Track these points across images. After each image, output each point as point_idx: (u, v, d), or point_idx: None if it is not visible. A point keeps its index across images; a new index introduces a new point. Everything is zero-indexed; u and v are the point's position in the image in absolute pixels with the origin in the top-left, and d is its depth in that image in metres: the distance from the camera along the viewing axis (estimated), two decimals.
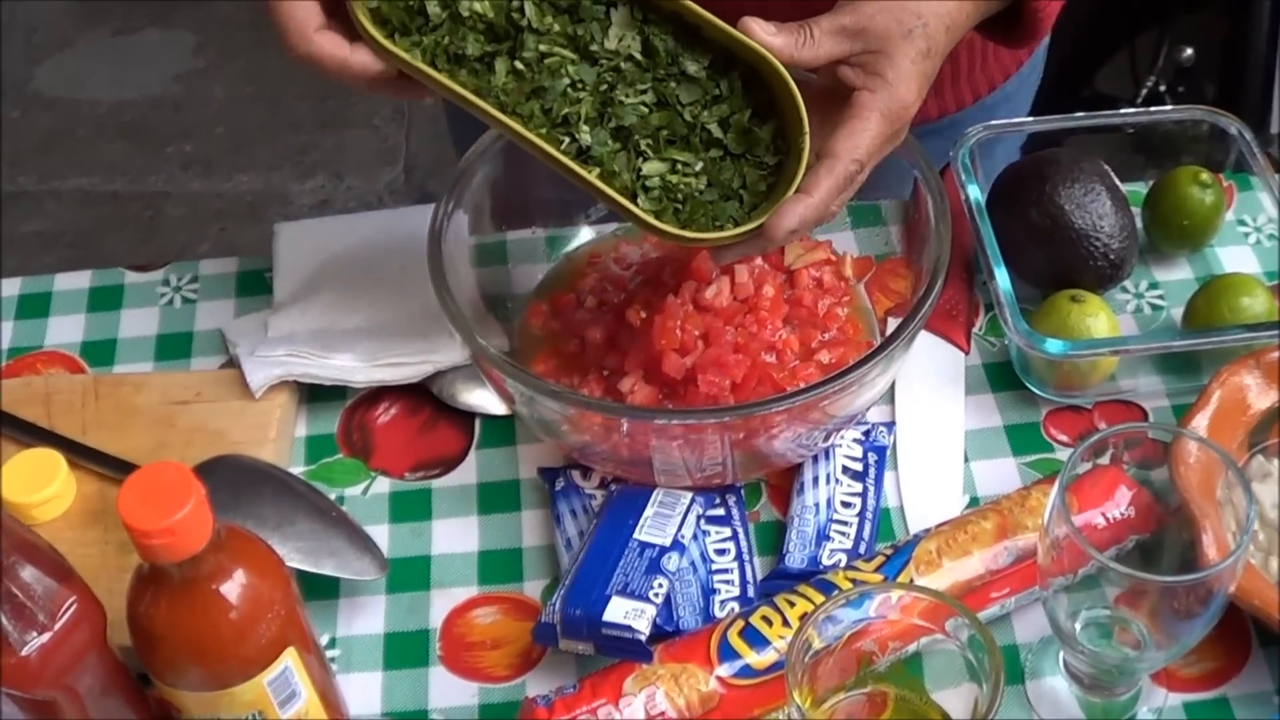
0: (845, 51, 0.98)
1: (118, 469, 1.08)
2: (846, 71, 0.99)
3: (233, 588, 0.82)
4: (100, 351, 1.24)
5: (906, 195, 1.17)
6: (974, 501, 1.09)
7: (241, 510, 1.01)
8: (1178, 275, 1.24)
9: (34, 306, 1.28)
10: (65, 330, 1.26)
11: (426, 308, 1.10)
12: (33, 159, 3.23)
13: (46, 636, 0.82)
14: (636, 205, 0.98)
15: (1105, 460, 0.97)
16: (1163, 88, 2.54)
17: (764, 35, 0.97)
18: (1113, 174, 1.18)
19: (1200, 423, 1.04)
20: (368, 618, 1.05)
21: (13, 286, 1.29)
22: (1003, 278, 1.12)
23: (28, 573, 0.82)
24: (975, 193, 1.18)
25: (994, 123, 1.22)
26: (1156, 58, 2.55)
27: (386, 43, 0.99)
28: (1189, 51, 2.54)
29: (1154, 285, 1.23)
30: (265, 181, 3.18)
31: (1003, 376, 1.17)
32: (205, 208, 3.12)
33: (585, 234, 1.24)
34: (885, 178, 1.13)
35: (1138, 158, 1.36)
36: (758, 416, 0.99)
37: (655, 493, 1.06)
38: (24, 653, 0.81)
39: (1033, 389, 1.15)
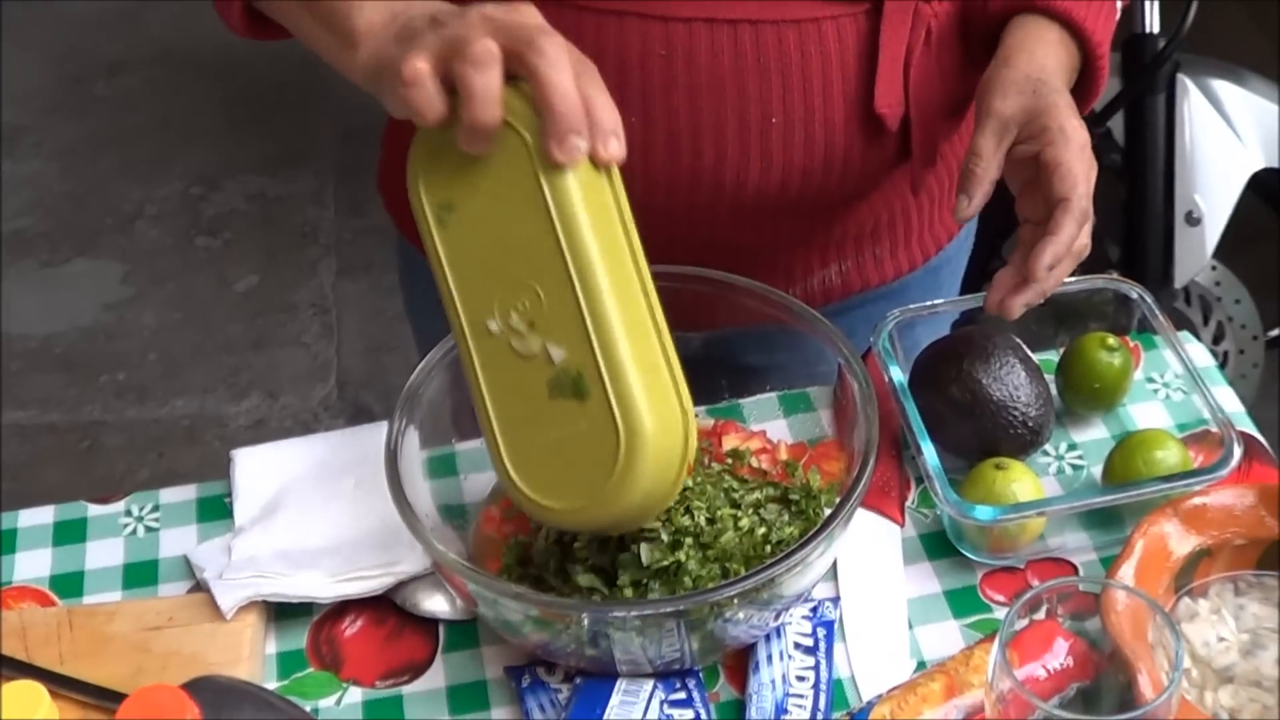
0: (1009, 143, 1.17)
1: (99, 696, 1.12)
2: (1023, 150, 1.17)
3: None
4: (69, 584, 1.27)
5: (833, 381, 1.23)
6: (921, 665, 1.14)
7: None
8: (1094, 435, 1.31)
9: None
10: (32, 565, 1.29)
11: (385, 521, 1.15)
12: None
13: None
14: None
15: (1041, 615, 1.02)
16: None
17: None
18: (1024, 346, 1.26)
19: (1126, 572, 1.10)
20: None
21: None
22: (929, 452, 1.18)
23: None
24: (897, 373, 1.24)
25: (910, 306, 1.29)
26: None
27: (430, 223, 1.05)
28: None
29: (1073, 446, 1.30)
30: (200, 405, 3.21)
31: (938, 545, 1.23)
32: (142, 434, 3.15)
33: None
34: (811, 366, 1.20)
35: (1048, 327, 1.43)
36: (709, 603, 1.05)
37: (619, 682, 1.10)
38: None
39: (967, 554, 1.21)
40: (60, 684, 1.14)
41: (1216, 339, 2.66)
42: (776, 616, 1.13)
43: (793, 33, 1.21)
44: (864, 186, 1.32)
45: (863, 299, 1.41)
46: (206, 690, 1.08)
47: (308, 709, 1.14)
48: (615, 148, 1.00)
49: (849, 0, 1.22)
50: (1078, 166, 1.14)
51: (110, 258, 3.58)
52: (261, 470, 1.32)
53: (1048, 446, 1.29)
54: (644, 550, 1.10)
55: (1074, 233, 1.15)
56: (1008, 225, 2.64)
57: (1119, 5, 1.30)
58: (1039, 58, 1.19)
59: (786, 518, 1.16)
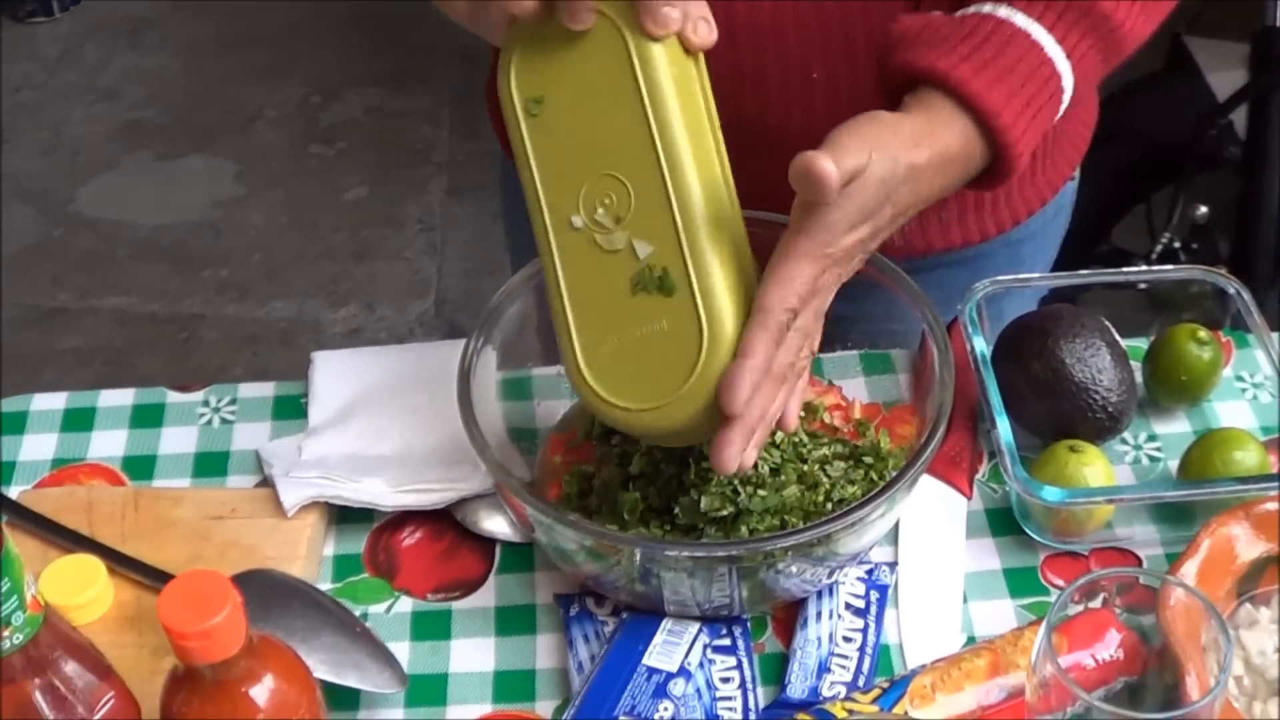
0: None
1: (154, 578, 1.14)
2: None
3: (261, 691, 0.87)
4: (141, 466, 1.30)
5: (913, 344, 1.22)
6: (971, 640, 1.13)
7: (271, 621, 1.06)
8: (1176, 428, 1.29)
9: (79, 420, 1.33)
10: (108, 444, 1.32)
11: (453, 437, 1.15)
12: (73, 277, 3.31)
13: None
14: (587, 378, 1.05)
15: (1098, 604, 1.01)
16: (1177, 244, 2.60)
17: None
18: (1113, 330, 1.24)
19: (1189, 570, 1.09)
20: None
21: (59, 400, 1.35)
22: (1004, 427, 1.17)
23: (70, 667, 0.87)
24: (980, 345, 1.23)
25: (1001, 278, 1.28)
26: (1172, 215, 2.61)
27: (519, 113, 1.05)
28: (1203, 209, 2.60)
29: (1153, 437, 1.28)
30: (299, 309, 3.25)
31: (1003, 522, 1.21)
32: (239, 332, 3.19)
33: None
34: (891, 323, 1.19)
35: (1142, 313, 1.41)
36: (762, 552, 1.04)
37: (664, 621, 1.10)
38: None
39: (1031, 534, 1.19)
40: (118, 561, 1.15)
41: None
42: (830, 574, 1.12)
43: None
44: None
45: (934, 262, 1.38)
46: (257, 583, 1.10)
47: (357, 613, 1.15)
48: (705, 31, 0.99)
49: None
50: (801, 275, 0.99)
51: (225, 157, 3.62)
52: (340, 375, 1.33)
53: (1127, 435, 1.27)
54: (704, 496, 1.09)
55: (769, 354, 0.98)
56: (1121, 207, 2.64)
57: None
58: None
59: (852, 477, 1.15)
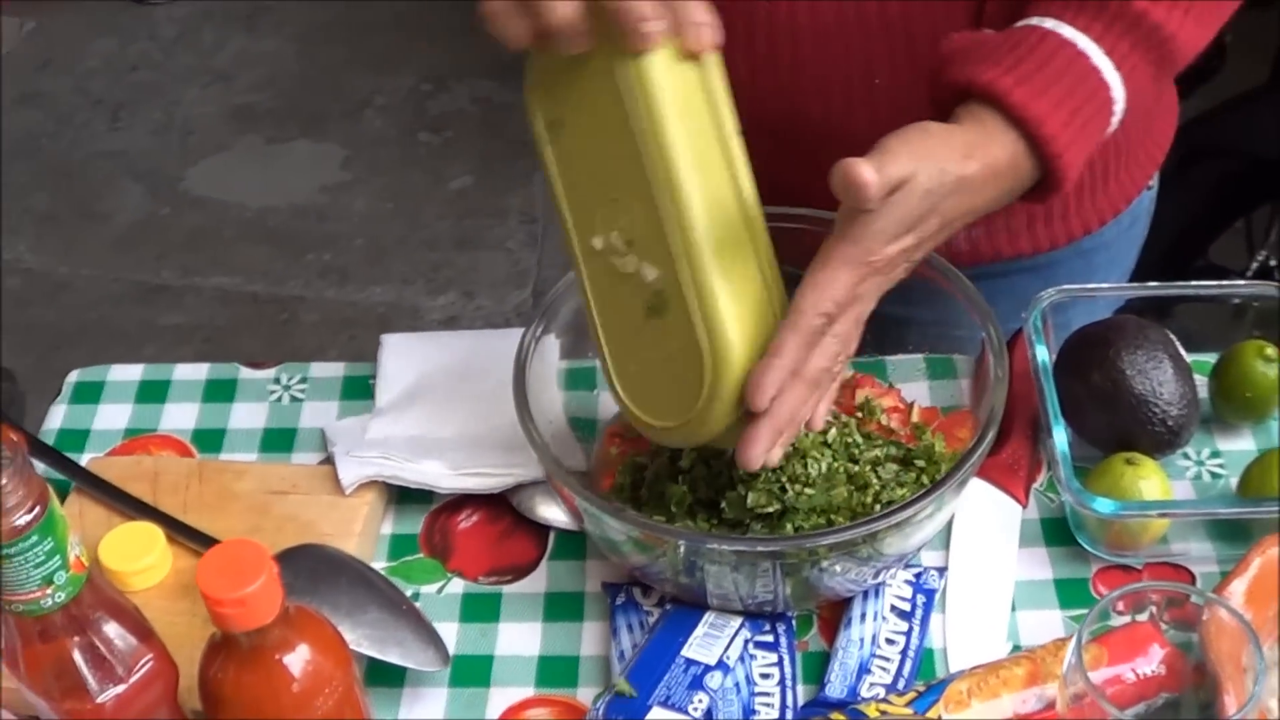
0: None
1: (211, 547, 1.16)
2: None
3: (295, 660, 0.89)
4: (209, 439, 1.32)
5: (975, 349, 1.22)
6: (1016, 649, 1.13)
7: (318, 595, 1.07)
8: (1240, 445, 1.27)
9: (153, 392, 1.37)
10: (179, 417, 1.35)
11: (513, 424, 1.16)
12: (178, 255, 3.37)
13: (122, 688, 0.90)
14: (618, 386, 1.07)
15: (1144, 617, 1.01)
16: (1274, 262, 2.57)
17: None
18: (1177, 343, 1.23)
19: (1237, 588, 1.08)
20: (428, 707, 1.11)
21: (135, 372, 1.38)
22: (1060, 436, 1.16)
23: (110, 628, 0.89)
24: (1043, 353, 1.22)
25: (1067, 287, 1.27)
26: (1269, 232, 2.57)
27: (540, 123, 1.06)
28: None
29: (1216, 454, 1.27)
30: (398, 294, 3.28)
31: (1057, 532, 1.21)
32: (338, 315, 3.23)
33: None
34: (950, 327, 1.19)
35: (1209, 328, 1.39)
36: (804, 549, 1.05)
37: (707, 615, 1.11)
38: (100, 700, 0.89)
39: (1085, 546, 1.19)
40: (178, 530, 1.18)
41: None
42: (876, 575, 1.12)
43: None
44: None
45: (1003, 268, 1.37)
46: (308, 557, 1.12)
47: (409, 593, 1.17)
48: (707, 35, 0.98)
49: None
50: (840, 280, 0.99)
51: (333, 142, 3.67)
52: (408, 357, 1.35)
53: (1189, 450, 1.26)
54: (751, 493, 1.10)
55: (798, 356, 0.99)
56: (1220, 223, 2.61)
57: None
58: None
59: (903, 479, 1.15)
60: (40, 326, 3.19)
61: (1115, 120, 1.10)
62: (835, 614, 1.15)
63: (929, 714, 1.03)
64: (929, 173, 1.00)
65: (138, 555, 1.15)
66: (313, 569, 1.11)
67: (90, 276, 3.34)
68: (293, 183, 3.56)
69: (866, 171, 0.95)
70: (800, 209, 1.18)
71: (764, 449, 1.00)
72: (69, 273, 3.36)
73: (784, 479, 1.11)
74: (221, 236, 3.42)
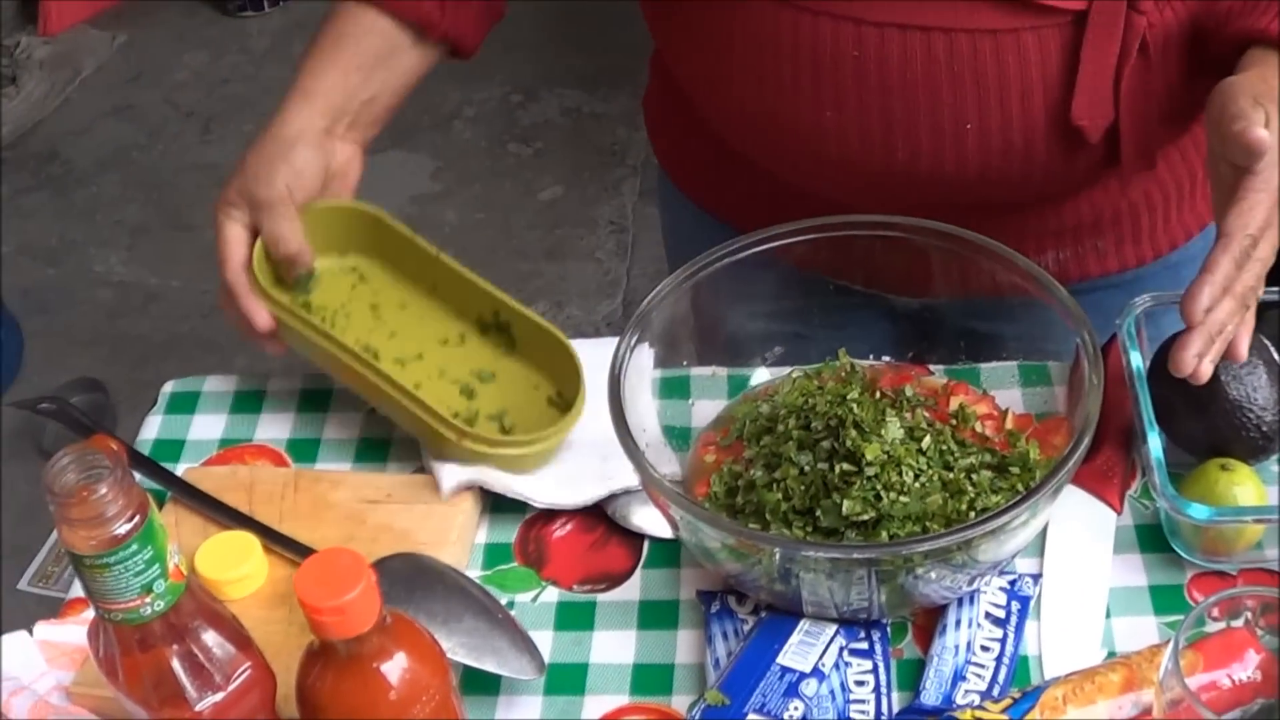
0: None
1: (307, 556, 1.17)
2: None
3: (393, 669, 0.90)
4: (304, 449, 1.34)
5: (1070, 359, 1.22)
6: (1111, 655, 1.12)
7: (414, 603, 1.09)
8: None
9: (248, 403, 1.38)
10: (275, 427, 1.36)
11: (609, 433, 1.17)
12: None
13: (220, 696, 0.91)
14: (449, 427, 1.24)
15: (1239, 623, 1.00)
16: None
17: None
18: (1272, 348, 1.21)
19: None
20: (524, 714, 1.12)
21: (229, 384, 1.40)
22: (1154, 442, 1.16)
23: (209, 636, 0.90)
24: (1136, 360, 1.22)
25: (1160, 294, 1.26)
26: None
27: (272, 291, 1.30)
28: None
29: None
30: None
31: (1152, 538, 1.20)
32: None
33: (762, 374, 1.31)
34: (1045, 342, 1.19)
35: None
36: (899, 556, 1.05)
37: (802, 622, 1.11)
38: (198, 708, 0.90)
39: (1179, 552, 1.18)
40: (274, 539, 1.20)
41: None
42: (971, 582, 1.12)
43: (988, 42, 1.20)
44: (1066, 189, 1.33)
45: (1090, 286, 1.39)
46: (403, 565, 1.13)
47: (504, 601, 1.18)
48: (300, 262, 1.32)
49: (1051, 12, 1.20)
50: (1259, 207, 1.09)
51: (424, 153, 3.69)
52: None
53: None
54: (846, 500, 1.10)
55: (1230, 273, 1.09)
56: None
57: None
58: (1271, 81, 1.14)
59: (997, 486, 1.15)
60: (131, 338, 3.23)
61: None
62: (930, 621, 1.15)
63: None
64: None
65: (234, 564, 1.16)
66: (409, 577, 1.12)
67: (181, 288, 3.38)
68: (383, 193, 3.53)
69: (1261, 132, 1.07)
70: (942, 224, 1.22)
71: (1195, 352, 1.09)
72: (159, 284, 3.40)
73: (879, 487, 1.11)
74: None
